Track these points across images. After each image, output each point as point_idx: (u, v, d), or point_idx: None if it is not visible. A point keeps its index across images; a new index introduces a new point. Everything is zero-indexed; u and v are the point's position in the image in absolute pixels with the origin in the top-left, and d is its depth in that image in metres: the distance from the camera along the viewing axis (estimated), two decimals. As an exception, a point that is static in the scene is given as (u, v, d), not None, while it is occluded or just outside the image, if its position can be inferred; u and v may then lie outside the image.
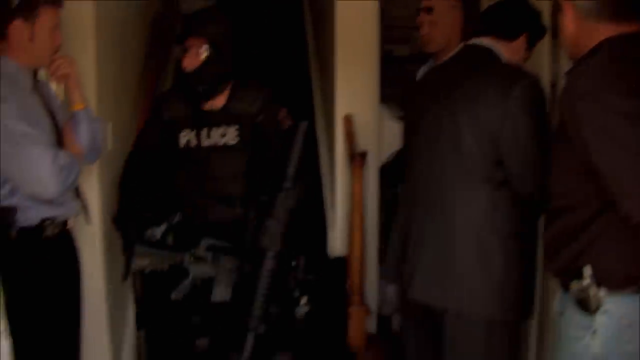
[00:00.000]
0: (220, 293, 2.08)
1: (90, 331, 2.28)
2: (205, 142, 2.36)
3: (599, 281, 1.42)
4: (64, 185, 1.89)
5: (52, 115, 1.99)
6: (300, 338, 2.36)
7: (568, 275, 1.47)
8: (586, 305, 1.44)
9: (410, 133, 2.05)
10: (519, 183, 1.80)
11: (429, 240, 1.90)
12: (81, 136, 2.04)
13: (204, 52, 2.29)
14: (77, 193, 2.12)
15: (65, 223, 2.04)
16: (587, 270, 1.43)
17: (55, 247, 2.00)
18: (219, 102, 2.39)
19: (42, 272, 1.95)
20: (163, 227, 2.20)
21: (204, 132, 2.36)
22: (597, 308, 1.43)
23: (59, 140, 1.99)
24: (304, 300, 2.06)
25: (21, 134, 1.82)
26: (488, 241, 1.81)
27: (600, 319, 1.43)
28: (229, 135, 2.35)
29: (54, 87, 2.20)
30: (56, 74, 2.02)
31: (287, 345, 2.42)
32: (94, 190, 2.43)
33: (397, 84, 2.83)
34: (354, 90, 2.99)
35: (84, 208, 2.15)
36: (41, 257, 1.95)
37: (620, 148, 1.34)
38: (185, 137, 2.36)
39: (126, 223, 2.27)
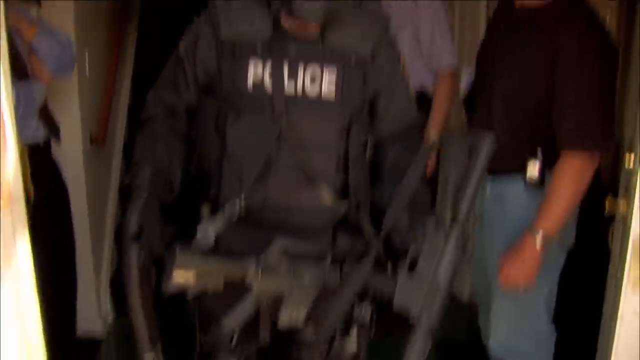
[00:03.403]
0: (289, 316, 1.44)
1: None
2: (288, 88, 1.54)
3: None
4: None
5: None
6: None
7: None
8: None
9: None
10: None
11: None
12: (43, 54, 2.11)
13: None
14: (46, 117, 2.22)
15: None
16: None
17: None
18: (311, 27, 1.52)
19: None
20: (218, 224, 1.43)
21: (285, 69, 1.53)
22: None
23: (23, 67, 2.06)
24: None
25: None
26: None
27: None
28: (324, 82, 1.54)
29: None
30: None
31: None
32: (75, 119, 2.60)
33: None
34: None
35: (54, 132, 2.26)
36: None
37: None
38: (256, 74, 1.53)
39: (149, 220, 1.42)
